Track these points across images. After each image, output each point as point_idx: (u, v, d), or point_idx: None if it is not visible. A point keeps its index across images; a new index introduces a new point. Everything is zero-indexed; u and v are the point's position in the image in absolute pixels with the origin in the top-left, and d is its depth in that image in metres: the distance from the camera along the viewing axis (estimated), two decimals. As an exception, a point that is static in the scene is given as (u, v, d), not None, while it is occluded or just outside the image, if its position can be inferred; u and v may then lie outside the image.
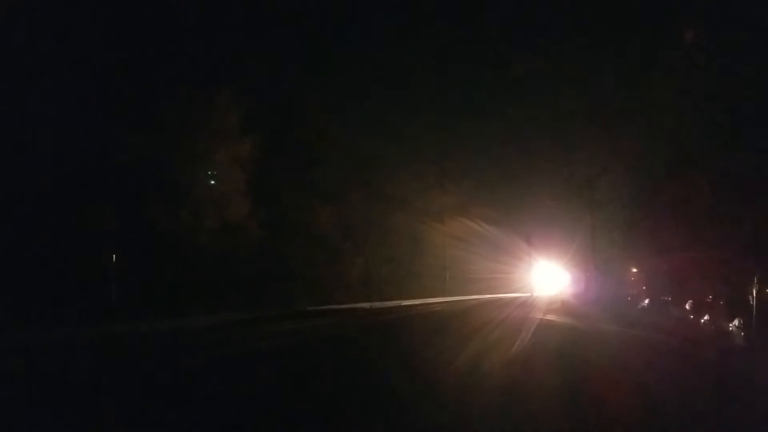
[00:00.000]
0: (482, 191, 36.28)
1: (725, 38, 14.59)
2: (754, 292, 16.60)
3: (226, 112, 23.61)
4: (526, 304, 30.56)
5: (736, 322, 13.39)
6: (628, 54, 19.81)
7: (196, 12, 23.70)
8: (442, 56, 31.78)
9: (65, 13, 18.53)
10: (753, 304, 16.43)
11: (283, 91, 27.30)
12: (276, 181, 26.05)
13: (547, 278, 41.18)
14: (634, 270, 28.83)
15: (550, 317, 24.63)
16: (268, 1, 27.96)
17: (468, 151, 33.74)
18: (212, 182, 24.14)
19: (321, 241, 27.79)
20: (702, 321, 18.64)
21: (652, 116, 19.05)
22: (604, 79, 20.93)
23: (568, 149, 27.40)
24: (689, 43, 15.16)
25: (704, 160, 17.08)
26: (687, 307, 20.32)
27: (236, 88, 24.29)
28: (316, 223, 27.59)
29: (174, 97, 22.24)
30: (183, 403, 7.04)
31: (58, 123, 18.25)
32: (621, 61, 20.17)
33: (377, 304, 27.38)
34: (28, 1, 18.01)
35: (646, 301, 24.92)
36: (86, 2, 19.76)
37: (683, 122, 17.29)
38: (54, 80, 18.40)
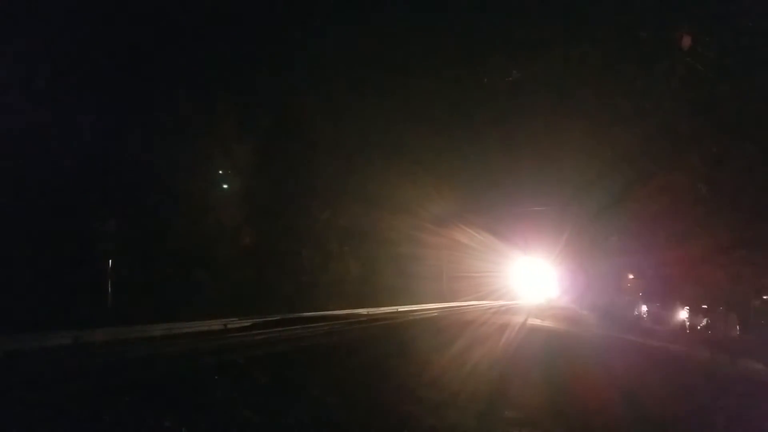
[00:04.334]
0: (478, 198, 36.38)
1: (725, 42, 14.66)
2: (752, 300, 16.70)
3: (224, 116, 23.56)
4: (523, 310, 30.61)
5: (735, 328, 13.41)
6: (623, 59, 19.87)
7: (195, 15, 23.67)
8: (441, 62, 31.83)
9: (63, 13, 18.47)
10: (750, 311, 16.51)
11: (282, 95, 27.29)
12: (274, 186, 25.99)
13: (543, 285, 41.29)
14: (631, 276, 28.95)
15: (547, 323, 24.69)
16: (267, 5, 27.96)
17: (466, 157, 33.82)
18: (224, 186, 24.00)
19: (319, 246, 27.73)
20: (699, 327, 18.72)
21: (648, 121, 19.10)
22: (600, 83, 20.99)
23: (565, 155, 27.46)
24: (687, 47, 15.22)
25: (702, 167, 17.15)
26: (684, 313, 20.40)
27: (235, 92, 24.25)
28: (314, 228, 27.54)
29: (172, 100, 22.17)
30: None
31: (55, 125, 18.13)
32: (617, 65, 20.22)
33: (374, 310, 27.30)
34: (28, 1, 17.96)
35: (644, 307, 25.00)
36: (82, 3, 19.70)
37: (681, 127, 17.35)
38: (52, 81, 18.30)
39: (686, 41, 15.49)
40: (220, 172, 25.08)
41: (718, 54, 15.22)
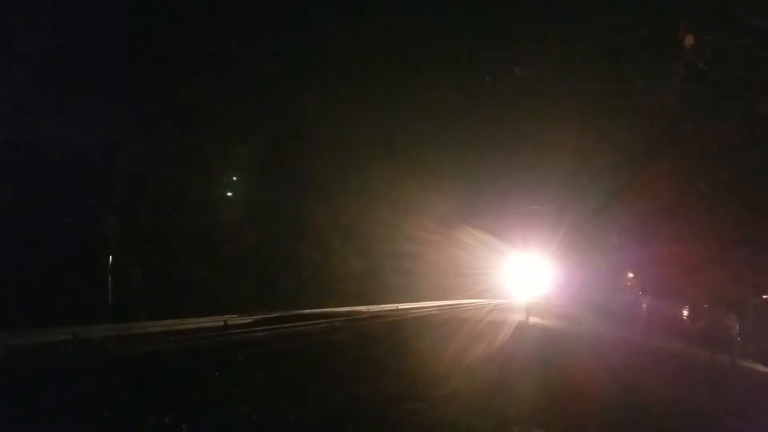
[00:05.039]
0: (478, 196, 36.38)
1: (726, 40, 14.63)
2: (752, 299, 16.70)
3: (225, 114, 23.57)
4: (522, 308, 30.62)
5: (735, 327, 13.41)
6: (624, 57, 19.82)
7: (194, 13, 23.66)
8: (442, 60, 31.77)
9: (65, 11, 18.48)
10: (750, 310, 16.51)
11: (283, 94, 27.29)
12: (275, 183, 26.01)
13: (543, 283, 41.22)
14: (631, 275, 28.96)
15: (547, 321, 24.75)
16: (267, 4, 27.97)
17: (466, 155, 33.80)
18: (225, 184, 24.00)
19: (320, 244, 27.76)
20: (699, 326, 18.69)
21: (649, 120, 19.07)
22: (601, 81, 20.95)
23: (565, 153, 27.39)
24: (688, 45, 15.18)
25: (703, 166, 17.14)
26: (684, 313, 20.40)
27: (234, 89, 24.25)
28: (315, 225, 27.57)
29: (171, 98, 22.18)
30: None
31: (56, 122, 18.15)
32: (618, 63, 20.17)
33: (374, 308, 27.33)
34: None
35: (644, 306, 25.01)
36: (84, 2, 19.70)
37: (682, 126, 17.33)
38: (51, 79, 18.32)
39: (688, 39, 15.45)
40: (222, 170, 25.14)
41: (719, 52, 15.19)
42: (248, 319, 19.22)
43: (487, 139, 32.61)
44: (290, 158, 27.49)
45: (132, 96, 21.09)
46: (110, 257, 18.57)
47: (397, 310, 28.72)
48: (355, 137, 30.63)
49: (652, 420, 7.39)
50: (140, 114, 21.39)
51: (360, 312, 25.07)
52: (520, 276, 40.77)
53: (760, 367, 13.69)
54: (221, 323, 17.63)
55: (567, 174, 28.34)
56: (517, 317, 24.63)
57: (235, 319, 18.61)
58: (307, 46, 28.58)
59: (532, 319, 24.06)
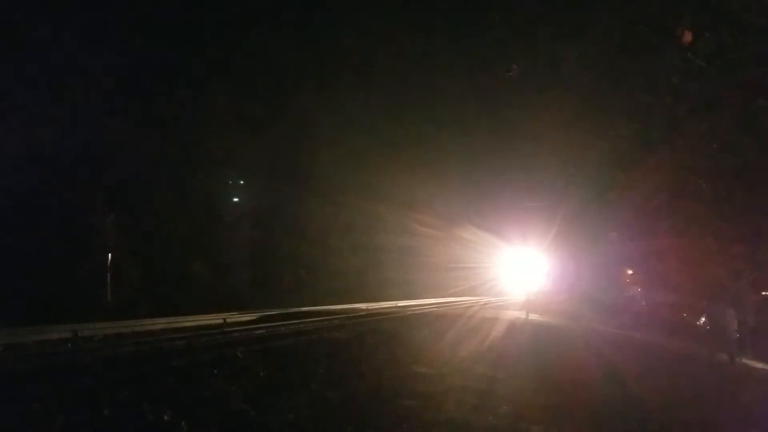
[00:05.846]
0: (479, 194, 36.41)
1: (725, 38, 14.61)
2: (751, 296, 16.70)
3: (223, 111, 23.57)
4: (523, 304, 30.67)
5: (734, 324, 13.43)
6: (623, 54, 19.80)
7: (196, 13, 23.66)
8: (442, 61, 31.78)
9: (70, 12, 18.50)
10: (749, 307, 16.51)
11: (285, 92, 27.31)
12: (275, 181, 26.03)
13: (544, 280, 41.24)
14: (630, 272, 28.94)
15: (546, 318, 24.80)
16: (267, 3, 27.98)
17: (466, 154, 33.81)
18: (225, 181, 24.05)
19: (319, 241, 27.78)
20: (698, 324, 18.70)
21: (648, 117, 19.06)
22: (601, 79, 20.93)
23: (565, 150, 27.38)
24: (688, 42, 15.16)
25: (702, 163, 17.13)
26: (684, 309, 20.41)
27: (234, 87, 24.27)
28: (314, 223, 27.59)
29: (172, 96, 22.20)
30: None
31: (56, 121, 18.17)
32: (617, 60, 20.15)
33: (373, 305, 27.35)
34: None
35: (643, 302, 25.03)
36: (89, 2, 19.72)
37: (681, 124, 17.32)
38: (51, 76, 18.34)
39: (687, 37, 15.43)
40: (222, 168, 25.19)
41: (718, 49, 15.17)
42: (248, 317, 19.24)
43: (487, 136, 32.63)
44: (291, 157, 27.51)
45: (134, 95, 21.14)
46: (110, 255, 18.60)
47: (397, 307, 28.74)
48: (355, 136, 30.67)
49: (650, 418, 7.40)
50: (142, 113, 21.42)
51: (359, 309, 25.08)
52: (519, 273, 40.79)
53: (759, 365, 13.72)
54: (221, 321, 17.64)
55: (566, 170, 28.33)
56: (517, 314, 24.68)
57: (234, 317, 18.63)
58: (309, 47, 28.62)
59: (532, 316, 24.10)
